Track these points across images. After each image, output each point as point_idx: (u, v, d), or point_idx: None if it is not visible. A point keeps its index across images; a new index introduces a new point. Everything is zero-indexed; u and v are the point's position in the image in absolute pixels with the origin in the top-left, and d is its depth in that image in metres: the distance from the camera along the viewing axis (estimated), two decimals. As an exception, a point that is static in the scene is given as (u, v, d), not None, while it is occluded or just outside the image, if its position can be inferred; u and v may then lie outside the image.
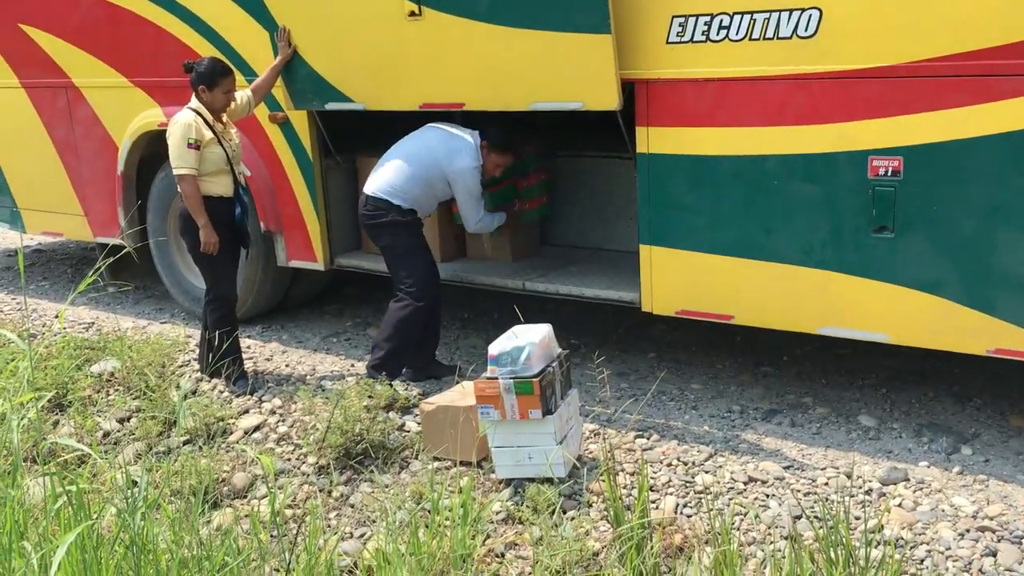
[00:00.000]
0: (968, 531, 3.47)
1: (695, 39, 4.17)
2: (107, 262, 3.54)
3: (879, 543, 3.25)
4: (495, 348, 3.97)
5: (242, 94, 5.15)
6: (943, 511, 3.63)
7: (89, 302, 6.94)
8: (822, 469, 4.00)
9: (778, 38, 4.00)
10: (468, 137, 4.96)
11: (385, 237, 4.98)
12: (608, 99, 4.34)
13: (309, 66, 5.17)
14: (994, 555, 3.32)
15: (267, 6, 5.17)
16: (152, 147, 6.18)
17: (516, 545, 3.58)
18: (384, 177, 4.94)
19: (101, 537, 2.85)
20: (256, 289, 6.10)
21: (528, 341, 3.95)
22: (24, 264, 8.28)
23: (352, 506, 3.95)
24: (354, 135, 5.78)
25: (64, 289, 7.48)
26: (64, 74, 6.50)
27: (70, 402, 4.85)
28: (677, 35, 4.20)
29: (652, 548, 2.84)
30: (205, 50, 5.61)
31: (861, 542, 3.11)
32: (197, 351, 5.52)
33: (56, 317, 6.63)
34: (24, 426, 3.95)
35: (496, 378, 3.92)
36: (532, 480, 3.88)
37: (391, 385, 4.63)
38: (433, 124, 5.12)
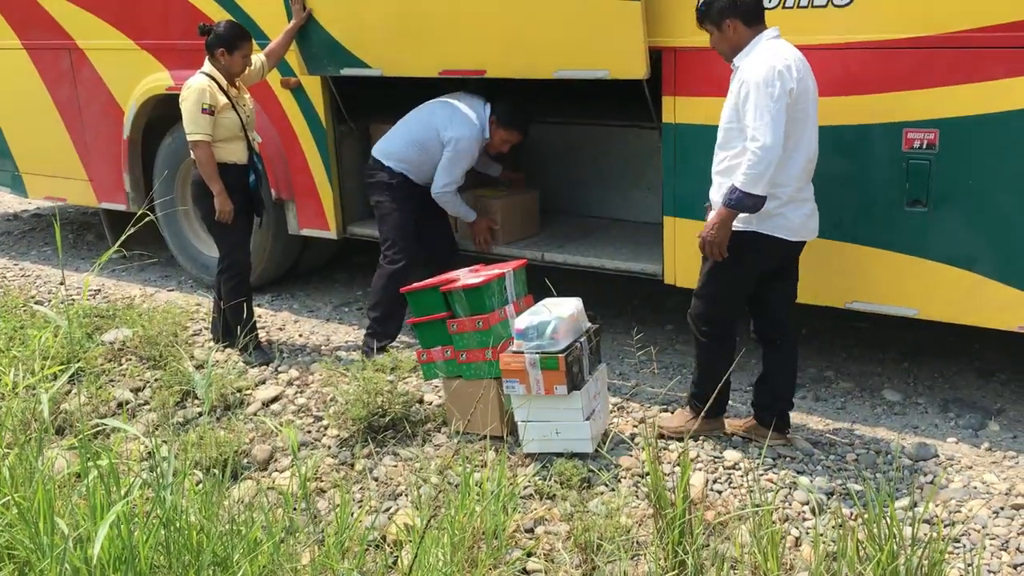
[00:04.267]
0: (1003, 509, 3.46)
1: (726, 6, 4.07)
2: (129, 232, 3.45)
3: (917, 521, 3.23)
4: (521, 322, 3.91)
5: (255, 58, 5.03)
6: (975, 488, 3.61)
7: (94, 269, 6.83)
8: (850, 445, 3.98)
9: (813, 6, 3.92)
10: (473, 111, 4.98)
11: (373, 195, 5.10)
12: (636, 68, 4.25)
13: (324, 30, 5.05)
14: (1030, 533, 3.31)
15: (281, -32, 5.05)
16: (158, 111, 6.06)
17: (545, 520, 3.55)
18: (384, 139, 5.10)
19: (133, 513, 2.80)
20: (267, 257, 6.01)
21: (555, 315, 3.89)
22: (23, 229, 8.17)
23: (376, 480, 3.90)
24: (368, 102, 5.67)
25: (66, 255, 7.37)
26: (67, 35, 6.35)
27: (83, 371, 4.78)
28: (708, 2, 4.10)
29: (694, 530, 2.81)
30: (215, 13, 5.47)
31: (902, 521, 3.08)
32: (209, 320, 5.44)
33: (61, 284, 6.53)
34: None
35: (522, 352, 3.87)
36: (559, 455, 3.84)
37: (385, 351, 4.70)
38: (448, 95, 5.13)
